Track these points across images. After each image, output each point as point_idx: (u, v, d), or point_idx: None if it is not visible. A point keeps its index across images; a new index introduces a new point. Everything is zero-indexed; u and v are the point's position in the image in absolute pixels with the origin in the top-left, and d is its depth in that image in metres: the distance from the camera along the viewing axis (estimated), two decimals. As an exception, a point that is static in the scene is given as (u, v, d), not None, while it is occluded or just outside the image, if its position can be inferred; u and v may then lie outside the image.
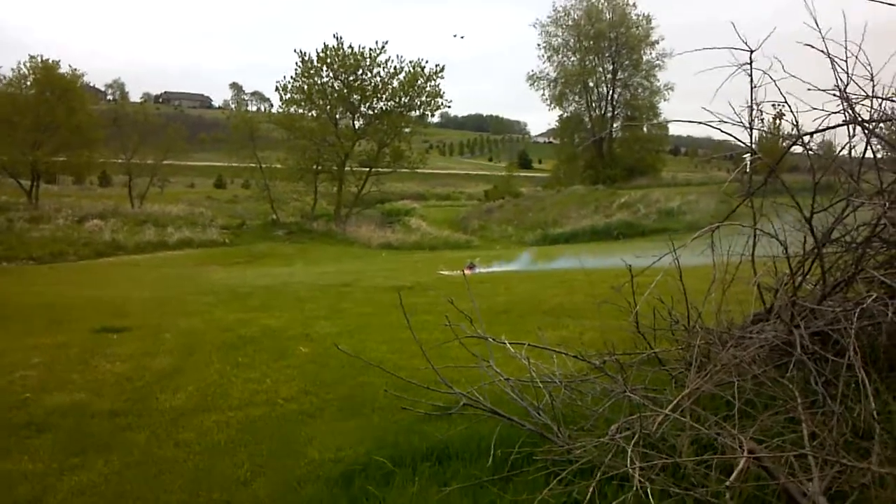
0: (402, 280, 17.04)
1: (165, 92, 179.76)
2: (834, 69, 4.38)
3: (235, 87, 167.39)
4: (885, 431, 3.34)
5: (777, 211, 4.66)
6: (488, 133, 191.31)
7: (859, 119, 4.42)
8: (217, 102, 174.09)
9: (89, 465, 5.12)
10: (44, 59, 45.24)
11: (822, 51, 4.37)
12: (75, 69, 46.83)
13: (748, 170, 4.82)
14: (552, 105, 66.54)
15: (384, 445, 4.79)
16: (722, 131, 4.48)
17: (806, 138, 4.52)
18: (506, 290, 13.64)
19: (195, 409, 6.36)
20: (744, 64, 4.41)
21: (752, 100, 4.52)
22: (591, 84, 65.39)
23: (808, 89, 4.44)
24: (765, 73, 4.36)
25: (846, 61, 4.32)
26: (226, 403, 6.51)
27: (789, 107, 4.32)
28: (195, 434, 5.70)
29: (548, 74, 65.61)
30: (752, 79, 4.43)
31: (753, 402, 3.80)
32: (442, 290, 12.53)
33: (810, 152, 4.55)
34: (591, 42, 63.67)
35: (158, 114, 65.03)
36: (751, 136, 4.67)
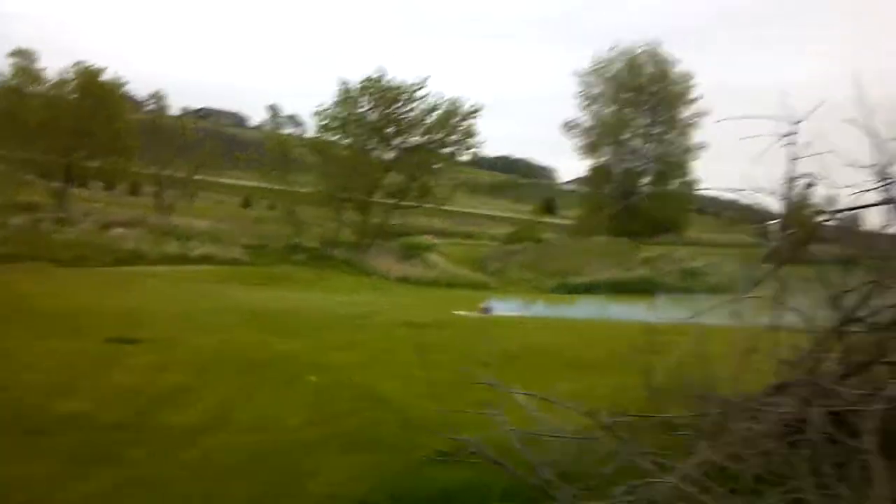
0: (419, 317, 16.98)
1: (204, 107, 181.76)
2: (876, 146, 4.35)
3: (272, 108, 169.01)
4: (896, 520, 3.26)
5: (804, 285, 4.61)
6: (516, 176, 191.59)
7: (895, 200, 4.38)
8: (253, 122, 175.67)
9: (91, 476, 5.10)
10: (88, 65, 46.01)
11: (866, 128, 4.34)
12: (118, 77, 47.58)
13: (778, 239, 4.79)
14: (585, 154, 66.66)
15: (386, 485, 4.75)
16: (758, 202, 4.46)
17: (840, 214, 4.50)
18: (520, 335, 13.54)
19: (201, 429, 6.34)
20: (786, 135, 4.39)
21: (791, 171, 4.51)
22: (625, 136, 65.48)
23: (847, 164, 4.41)
24: (806, 145, 4.33)
25: (892, 141, 4.30)
26: (233, 426, 6.49)
27: (828, 181, 4.29)
28: (199, 454, 5.67)
29: (583, 123, 65.84)
30: (793, 151, 4.42)
31: (763, 477, 3.74)
32: (458, 330, 12.48)
33: (843, 228, 4.52)
34: (630, 94, 63.85)
35: (195, 128, 65.75)
36: (786, 206, 4.65)
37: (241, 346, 10.45)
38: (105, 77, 46.51)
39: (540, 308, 24.83)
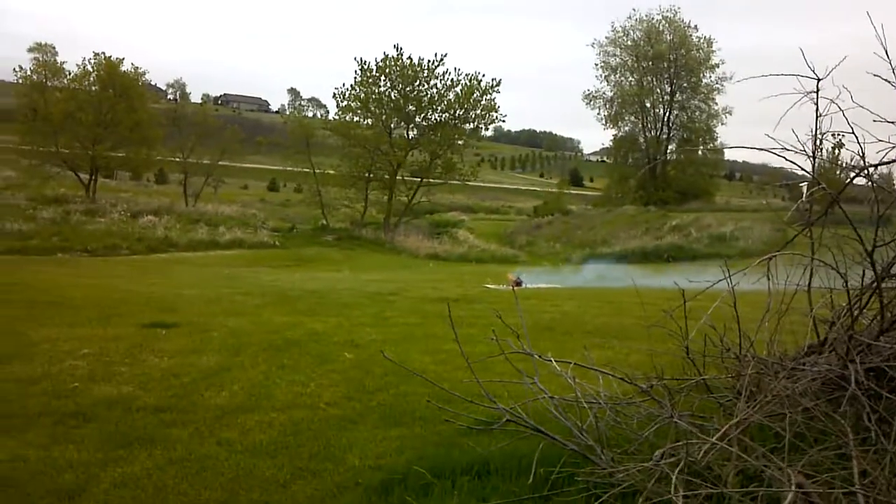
0: (448, 292, 17.03)
1: (225, 94, 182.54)
2: (902, 101, 4.29)
3: (293, 92, 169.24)
4: (940, 474, 3.24)
5: (837, 242, 4.56)
6: (541, 149, 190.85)
7: (926, 153, 4.32)
8: (275, 107, 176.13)
9: (132, 458, 5.18)
10: (107, 56, 46.31)
11: (890, 81, 4.28)
12: (137, 67, 47.94)
13: (808, 199, 4.73)
14: (607, 124, 66.30)
15: (424, 456, 4.79)
16: (785, 159, 4.41)
17: (870, 170, 4.43)
18: (552, 307, 13.55)
19: (239, 409, 6.41)
20: (810, 92, 4.33)
21: (816, 128, 4.45)
22: (647, 105, 64.96)
23: (874, 120, 4.34)
24: (832, 101, 4.27)
25: (916, 93, 4.23)
26: (269, 404, 6.55)
27: (856, 137, 4.22)
28: (237, 433, 5.74)
29: (604, 93, 65.41)
30: (817, 107, 4.36)
31: (803, 435, 3.72)
32: (488, 304, 12.50)
33: (874, 184, 4.45)
34: (650, 63, 63.26)
35: (217, 115, 66.13)
36: (813, 165, 4.60)
37: (273, 327, 10.54)
38: (125, 67, 46.85)
39: (570, 278, 24.81)
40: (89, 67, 46.11)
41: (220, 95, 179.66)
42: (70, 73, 46.72)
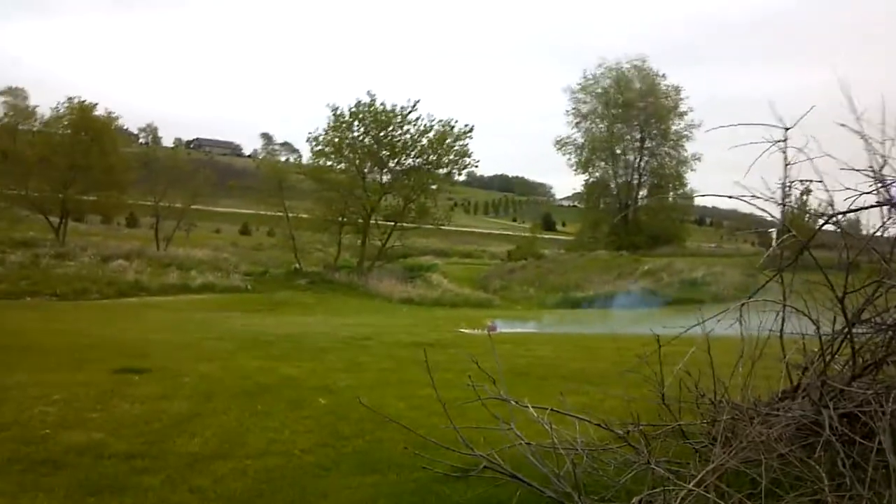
0: (423, 336, 16.98)
1: (197, 138, 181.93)
2: (869, 150, 4.39)
3: (266, 136, 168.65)
4: (915, 519, 3.27)
5: (808, 288, 4.63)
6: (513, 193, 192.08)
7: (894, 201, 4.42)
8: (247, 151, 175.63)
9: (105, 505, 5.09)
10: (81, 101, 46.25)
11: (857, 132, 4.39)
12: (110, 112, 47.90)
13: (778, 245, 4.80)
14: (578, 170, 67.00)
15: (400, 504, 4.75)
16: (756, 206, 4.50)
17: (839, 217, 4.52)
18: (527, 352, 13.55)
19: (211, 456, 6.32)
20: (779, 140, 4.43)
21: (785, 176, 4.54)
22: (618, 151, 65.80)
23: (842, 168, 4.45)
24: (800, 150, 4.37)
25: (882, 143, 4.34)
26: (242, 451, 6.47)
27: (824, 185, 4.32)
28: (210, 481, 5.65)
29: (575, 140, 66.19)
30: (786, 156, 4.46)
31: (779, 481, 3.74)
32: (463, 348, 12.47)
33: (843, 231, 4.54)
34: (620, 110, 64.21)
35: (189, 159, 66.00)
36: (783, 212, 4.69)
37: (246, 372, 10.45)
38: (97, 112, 46.78)
39: (545, 324, 24.86)
40: (62, 111, 46.04)
41: (193, 139, 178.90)
42: (41, 117, 46.58)
